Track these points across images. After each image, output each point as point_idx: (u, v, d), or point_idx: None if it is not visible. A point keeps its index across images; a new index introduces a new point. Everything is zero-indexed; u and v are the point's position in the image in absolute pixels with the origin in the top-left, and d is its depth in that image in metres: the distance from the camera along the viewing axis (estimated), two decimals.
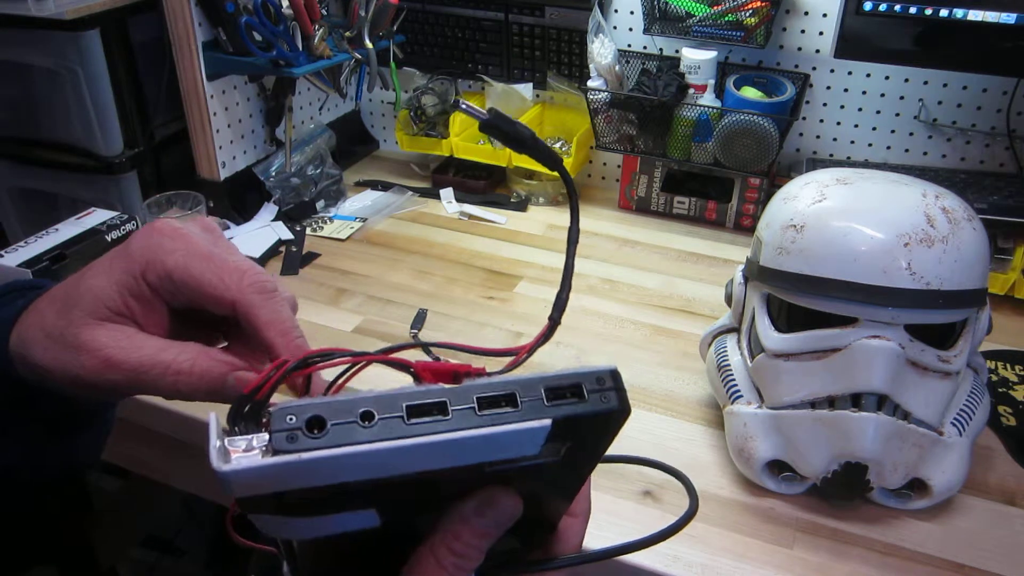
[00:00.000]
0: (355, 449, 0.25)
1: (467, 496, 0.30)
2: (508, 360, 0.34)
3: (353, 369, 0.32)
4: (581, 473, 0.33)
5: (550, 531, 0.36)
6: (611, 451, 0.31)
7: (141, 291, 0.35)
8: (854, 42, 1.03)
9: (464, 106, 0.36)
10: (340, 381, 0.33)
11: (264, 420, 0.28)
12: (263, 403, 0.28)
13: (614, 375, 0.28)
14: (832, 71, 1.18)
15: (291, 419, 0.25)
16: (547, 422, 0.26)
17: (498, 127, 0.36)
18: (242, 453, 0.25)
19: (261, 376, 0.29)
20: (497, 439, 0.26)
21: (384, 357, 0.31)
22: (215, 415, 0.27)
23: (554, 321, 0.34)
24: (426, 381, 0.31)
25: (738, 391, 0.75)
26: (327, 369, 0.32)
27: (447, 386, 0.27)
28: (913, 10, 0.97)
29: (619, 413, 0.28)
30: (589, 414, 0.27)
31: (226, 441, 0.26)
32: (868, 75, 1.17)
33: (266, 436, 0.25)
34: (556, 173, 0.37)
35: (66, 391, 0.35)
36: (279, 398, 0.28)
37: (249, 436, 0.26)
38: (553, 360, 0.92)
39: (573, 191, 0.36)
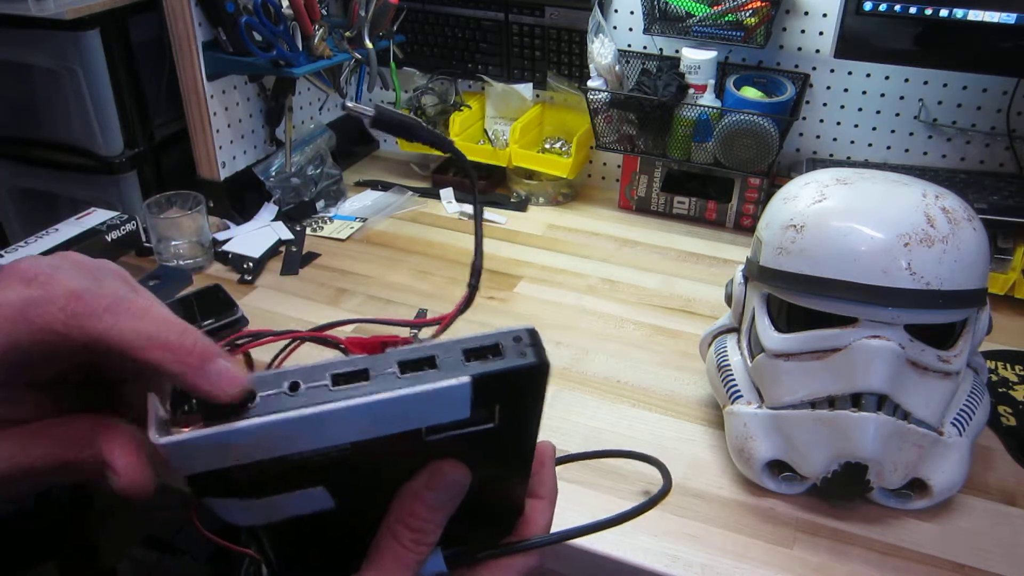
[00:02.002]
0: (281, 416, 0.25)
1: (416, 473, 0.31)
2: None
3: (288, 348, 0.32)
4: (524, 442, 0.33)
5: (517, 515, 0.37)
6: (596, 446, 0.32)
7: None
8: (854, 42, 1.03)
9: (350, 106, 0.38)
10: (277, 360, 0.34)
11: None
12: None
13: (531, 333, 0.29)
14: (832, 71, 1.18)
15: None
16: (466, 379, 0.27)
17: (386, 121, 0.38)
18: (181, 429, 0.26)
19: None
20: (420, 399, 0.27)
21: (314, 334, 0.32)
22: (154, 396, 0.27)
23: (472, 288, 0.36)
24: (355, 354, 0.32)
25: (738, 391, 0.75)
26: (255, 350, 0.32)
27: (371, 355, 0.28)
28: (913, 10, 0.97)
29: (538, 367, 0.29)
30: (508, 370, 0.28)
31: (166, 420, 0.26)
32: (868, 75, 1.17)
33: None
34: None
35: None
36: None
37: (189, 416, 0.27)
38: (553, 360, 0.91)
39: (471, 172, 0.38)
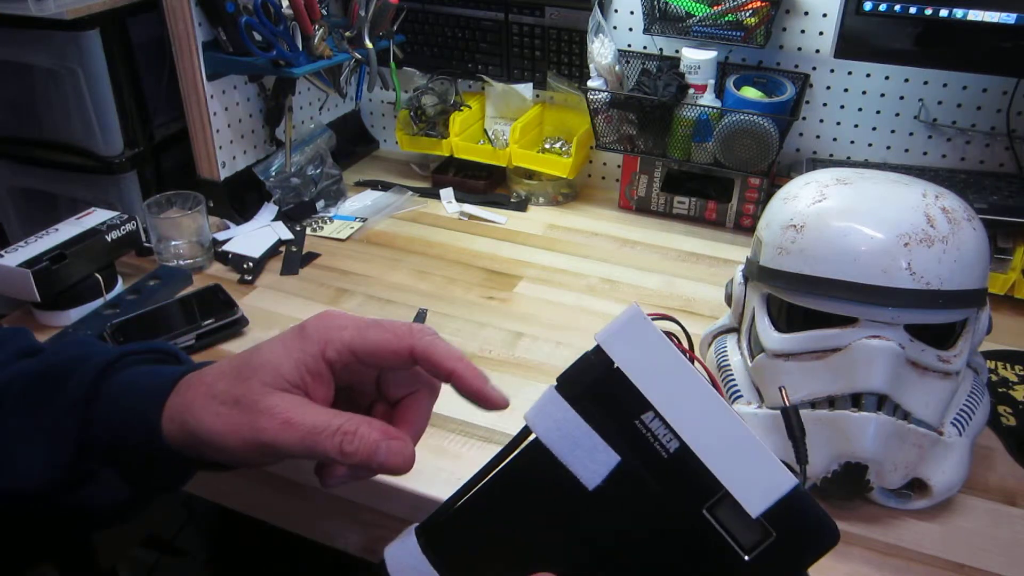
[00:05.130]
0: (693, 369, 0.32)
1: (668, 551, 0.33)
2: None
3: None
4: None
5: None
6: None
7: (319, 368, 0.39)
8: (854, 42, 1.03)
9: (783, 390, 0.46)
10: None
11: None
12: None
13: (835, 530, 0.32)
14: (832, 71, 1.18)
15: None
16: (793, 481, 0.31)
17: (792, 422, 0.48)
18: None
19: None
20: (753, 455, 0.31)
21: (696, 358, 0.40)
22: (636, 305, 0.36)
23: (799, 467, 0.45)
24: None
25: (738, 391, 0.75)
26: None
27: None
28: (913, 10, 0.97)
29: (829, 537, 0.31)
30: (817, 512, 0.31)
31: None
32: (868, 75, 1.17)
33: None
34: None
35: (221, 455, 0.39)
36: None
37: None
38: (553, 360, 0.92)
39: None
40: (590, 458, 0.33)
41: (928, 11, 0.97)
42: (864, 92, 1.18)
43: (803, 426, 0.46)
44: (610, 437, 0.33)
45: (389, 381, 0.43)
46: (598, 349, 0.35)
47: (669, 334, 0.36)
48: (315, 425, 0.37)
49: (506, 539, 0.35)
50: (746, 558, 0.32)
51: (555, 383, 0.35)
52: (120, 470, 0.42)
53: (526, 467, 0.34)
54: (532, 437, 0.34)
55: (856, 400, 0.67)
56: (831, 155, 1.24)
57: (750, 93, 1.14)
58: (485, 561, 0.35)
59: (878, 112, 1.19)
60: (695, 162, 1.19)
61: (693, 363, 0.34)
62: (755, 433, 0.32)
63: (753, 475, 0.31)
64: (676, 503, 0.32)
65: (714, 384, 0.39)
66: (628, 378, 0.33)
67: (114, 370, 0.43)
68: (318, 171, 1.28)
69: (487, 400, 0.39)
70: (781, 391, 0.54)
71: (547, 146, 1.36)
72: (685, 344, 0.41)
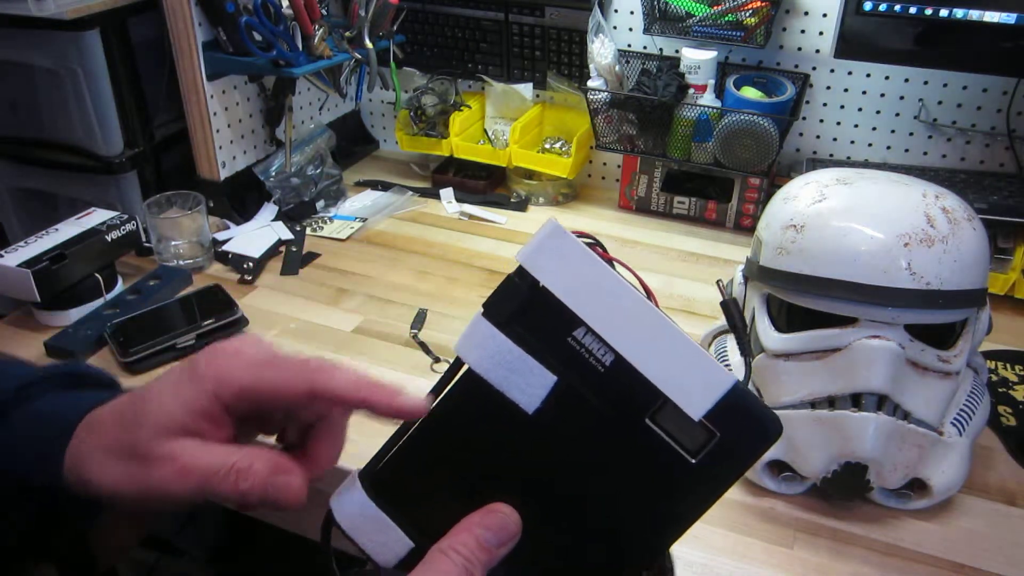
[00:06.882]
0: (620, 278, 0.31)
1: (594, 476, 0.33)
2: None
3: None
4: (691, 508, 0.33)
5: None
6: None
7: (212, 411, 0.37)
8: (854, 42, 1.03)
9: None
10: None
11: None
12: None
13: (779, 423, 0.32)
14: (832, 71, 1.18)
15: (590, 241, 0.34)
16: (733, 379, 0.30)
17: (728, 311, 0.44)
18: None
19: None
20: (692, 359, 0.30)
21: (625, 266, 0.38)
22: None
23: None
24: None
25: None
26: None
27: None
28: (913, 10, 0.97)
29: (772, 431, 0.31)
30: (757, 409, 0.31)
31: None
32: (868, 75, 1.17)
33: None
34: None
35: (121, 505, 0.38)
36: None
37: None
38: None
39: None
40: (526, 382, 0.32)
41: (928, 11, 0.97)
42: (864, 92, 1.18)
43: (744, 318, 0.44)
44: (544, 358, 0.32)
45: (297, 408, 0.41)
46: (520, 270, 0.33)
47: (591, 243, 0.35)
48: (210, 466, 0.36)
49: (452, 474, 0.34)
50: (693, 461, 0.31)
51: (481, 310, 0.33)
52: (25, 508, 0.40)
53: (463, 399, 0.33)
54: (465, 368, 0.33)
55: (856, 400, 0.67)
56: (831, 155, 1.24)
57: (750, 93, 1.14)
58: (434, 498, 0.34)
59: (878, 112, 1.19)
60: (695, 162, 1.19)
61: (615, 268, 0.33)
62: (688, 334, 0.31)
63: (691, 378, 0.30)
64: (618, 416, 0.32)
65: (644, 288, 0.37)
66: (554, 295, 0.32)
67: (18, 402, 0.41)
68: (318, 171, 1.28)
69: (406, 413, 0.36)
70: (718, 284, 0.56)
71: (547, 146, 1.36)
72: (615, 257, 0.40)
